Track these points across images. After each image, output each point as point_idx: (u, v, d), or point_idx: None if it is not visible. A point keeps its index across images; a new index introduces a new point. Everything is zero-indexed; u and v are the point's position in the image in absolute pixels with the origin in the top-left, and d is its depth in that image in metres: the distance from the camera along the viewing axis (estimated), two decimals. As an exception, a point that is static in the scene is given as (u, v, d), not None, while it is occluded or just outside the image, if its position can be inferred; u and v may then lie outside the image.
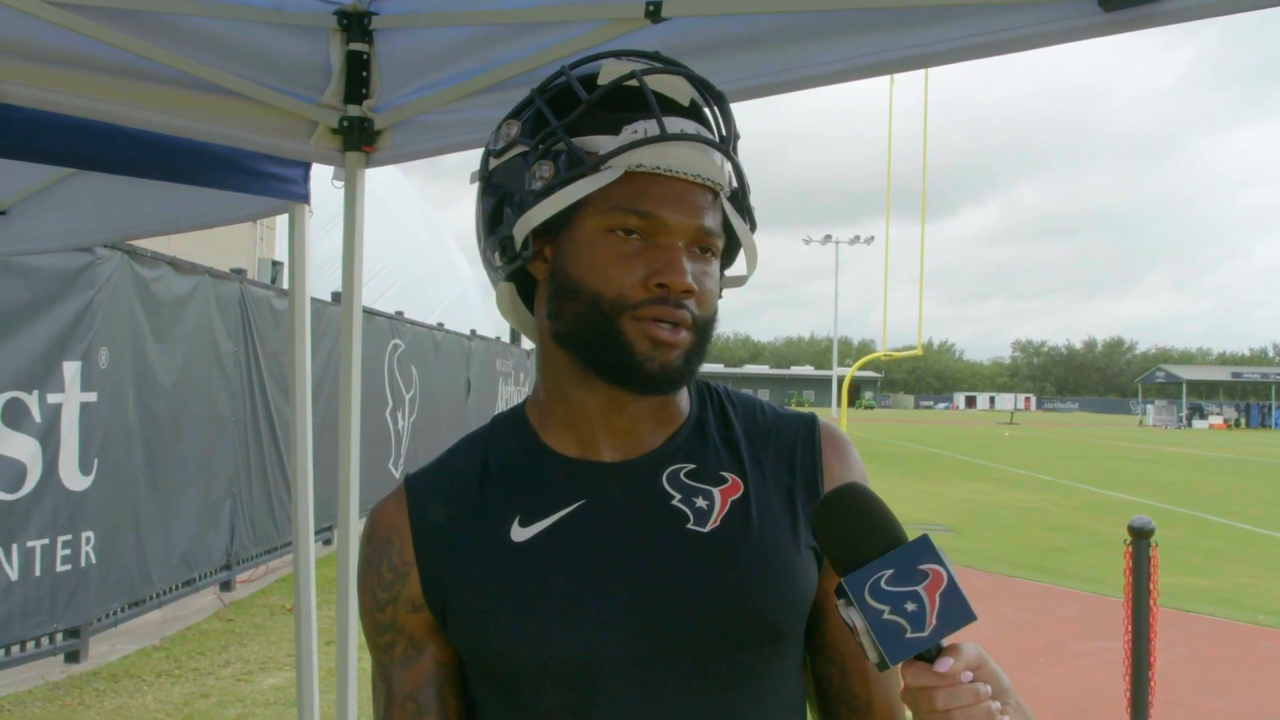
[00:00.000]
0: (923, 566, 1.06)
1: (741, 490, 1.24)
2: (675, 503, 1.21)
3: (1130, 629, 5.77)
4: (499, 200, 1.22)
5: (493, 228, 1.23)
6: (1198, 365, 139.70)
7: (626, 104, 1.19)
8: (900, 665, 1.05)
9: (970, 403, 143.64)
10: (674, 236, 1.16)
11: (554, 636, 1.16)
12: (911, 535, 1.08)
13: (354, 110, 2.47)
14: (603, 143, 1.16)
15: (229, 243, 17.02)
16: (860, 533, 1.08)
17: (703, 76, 1.23)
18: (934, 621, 1.04)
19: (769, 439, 1.29)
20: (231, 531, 9.15)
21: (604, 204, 1.15)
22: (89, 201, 3.28)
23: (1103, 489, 21.68)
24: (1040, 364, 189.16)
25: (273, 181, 2.67)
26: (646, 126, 1.15)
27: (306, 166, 2.79)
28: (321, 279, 11.60)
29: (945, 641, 1.04)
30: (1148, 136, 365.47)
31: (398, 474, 15.11)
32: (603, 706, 1.16)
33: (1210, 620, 9.07)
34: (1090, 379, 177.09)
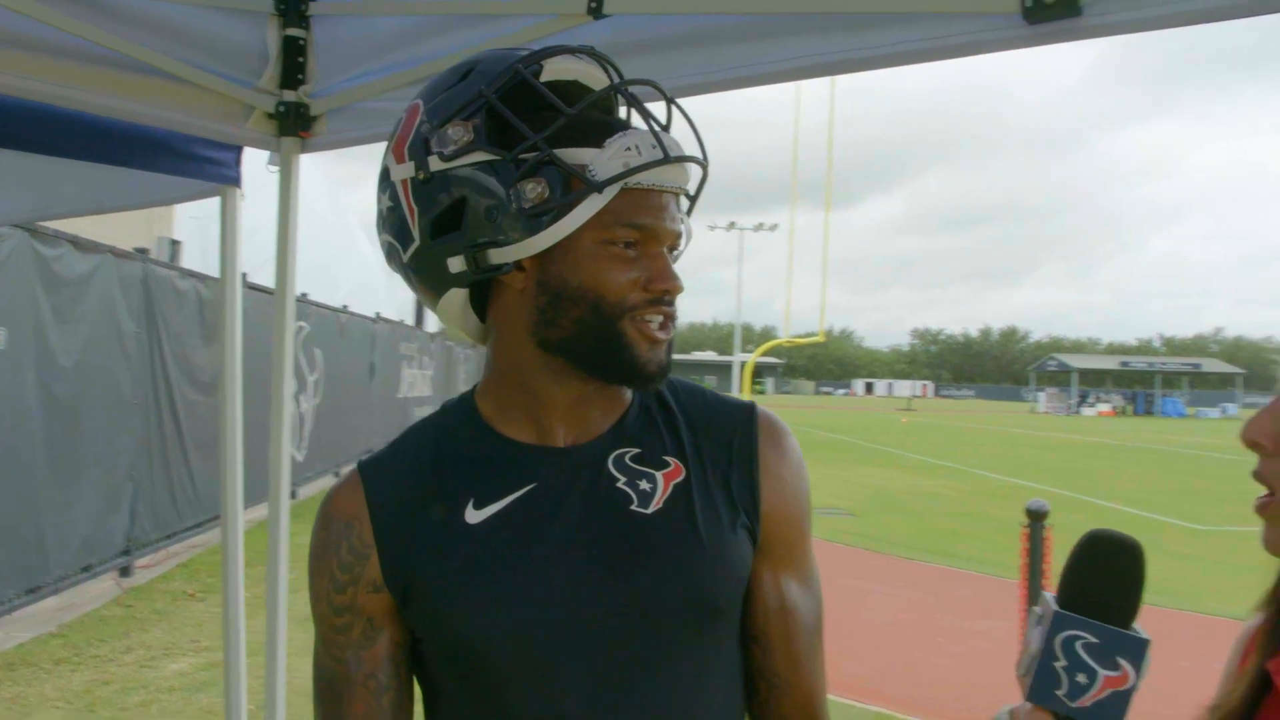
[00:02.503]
0: (1121, 660, 1.05)
1: (683, 474, 1.29)
2: (620, 485, 1.27)
3: (1025, 607, 6.00)
4: (455, 205, 1.21)
5: (443, 231, 1.23)
6: (1088, 354, 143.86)
7: (592, 106, 1.24)
8: (1026, 705, 1.07)
9: (869, 389, 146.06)
10: (662, 243, 1.23)
11: (507, 613, 1.21)
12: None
13: (290, 96, 2.47)
14: (587, 156, 1.18)
15: (123, 219, 16.57)
16: (1112, 588, 1.07)
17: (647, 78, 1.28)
18: (1088, 704, 1.05)
19: (710, 426, 1.34)
20: (132, 516, 8.95)
21: (602, 219, 1.19)
22: (1, 180, 3.21)
23: (997, 474, 22.31)
24: (938, 352, 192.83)
25: (205, 165, 2.65)
26: (639, 143, 1.18)
27: (238, 150, 2.77)
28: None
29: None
30: (1052, 131, 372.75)
31: (300, 457, 14.93)
32: (553, 682, 1.21)
33: (1099, 600, 9.42)
34: (985, 367, 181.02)
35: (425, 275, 1.27)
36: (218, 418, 2.87)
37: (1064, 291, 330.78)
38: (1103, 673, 1.04)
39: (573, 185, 1.18)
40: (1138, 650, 1.05)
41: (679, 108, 1.28)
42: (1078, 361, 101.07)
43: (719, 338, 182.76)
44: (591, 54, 1.27)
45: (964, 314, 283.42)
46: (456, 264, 1.23)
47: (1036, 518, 5.97)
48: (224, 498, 2.83)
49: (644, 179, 1.19)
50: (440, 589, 1.23)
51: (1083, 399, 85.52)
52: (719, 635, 1.29)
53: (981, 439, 37.62)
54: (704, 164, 1.26)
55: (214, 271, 3.35)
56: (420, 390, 25.12)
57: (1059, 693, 1.05)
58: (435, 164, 1.21)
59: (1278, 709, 1.12)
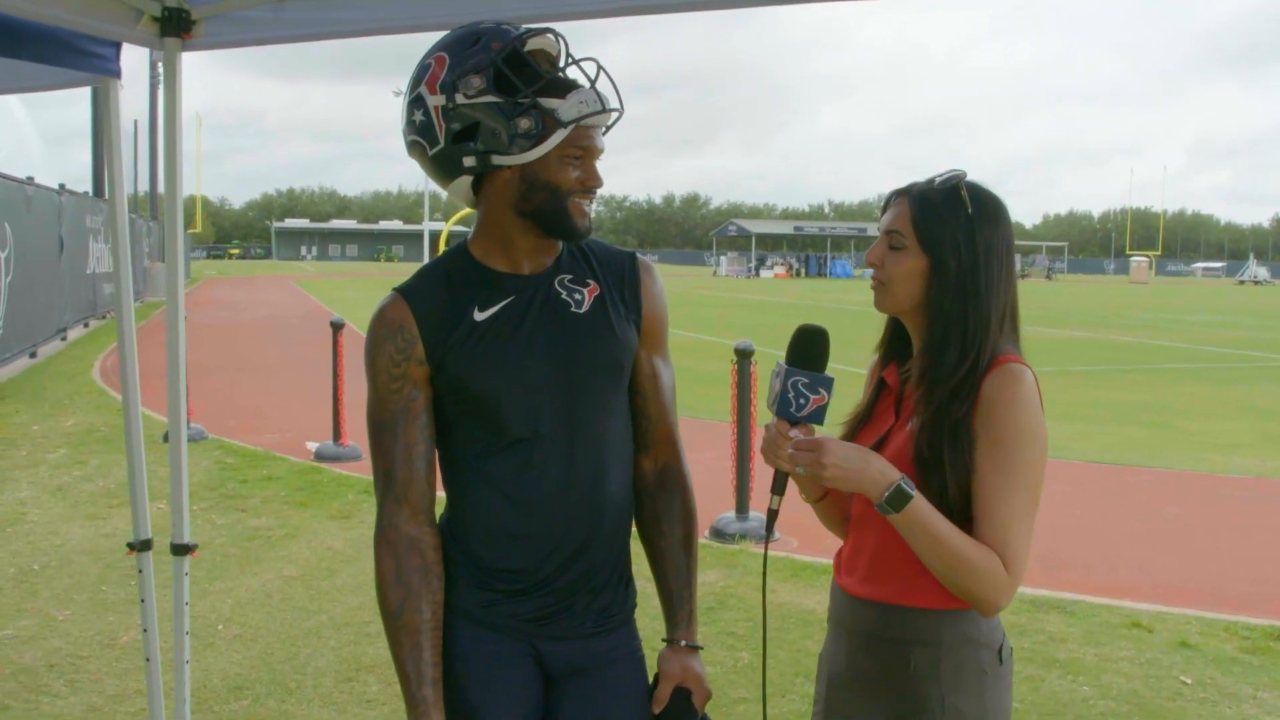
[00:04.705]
0: (820, 389, 1.94)
1: (599, 290, 2.08)
2: (563, 296, 2.05)
3: (736, 431, 7.10)
4: (473, 126, 1.88)
5: (460, 140, 1.90)
6: (765, 220, 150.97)
7: (552, 66, 1.95)
8: (774, 419, 1.95)
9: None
10: (595, 157, 1.98)
11: (504, 373, 1.98)
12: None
13: (172, 2, 2.90)
14: (555, 103, 1.87)
15: None
16: (812, 353, 1.95)
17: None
18: (803, 415, 1.94)
19: (609, 263, 2.13)
20: None
21: (562, 142, 1.90)
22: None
23: (688, 332, 24.02)
24: (623, 218, 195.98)
25: (90, 58, 2.99)
26: (586, 98, 1.89)
27: (118, 44, 3.11)
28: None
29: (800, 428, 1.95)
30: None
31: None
32: (531, 411, 1.99)
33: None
34: (669, 232, 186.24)
35: (444, 166, 1.97)
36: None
37: (742, 159, 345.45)
38: (812, 397, 1.96)
39: (546, 122, 1.89)
40: (829, 383, 1.97)
41: (607, 74, 1.97)
42: (755, 227, 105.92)
43: (405, 206, 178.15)
44: (554, 33, 1.96)
45: (648, 180, 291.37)
46: (470, 161, 1.93)
47: (744, 356, 7.08)
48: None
49: (589, 120, 1.92)
50: (464, 359, 1.98)
51: (761, 262, 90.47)
52: (620, 386, 2.11)
53: (671, 301, 39.62)
54: (621, 111, 1.98)
55: None
56: (108, 265, 23.86)
57: (791, 410, 1.96)
58: (460, 99, 1.89)
59: (885, 399, 2.13)
